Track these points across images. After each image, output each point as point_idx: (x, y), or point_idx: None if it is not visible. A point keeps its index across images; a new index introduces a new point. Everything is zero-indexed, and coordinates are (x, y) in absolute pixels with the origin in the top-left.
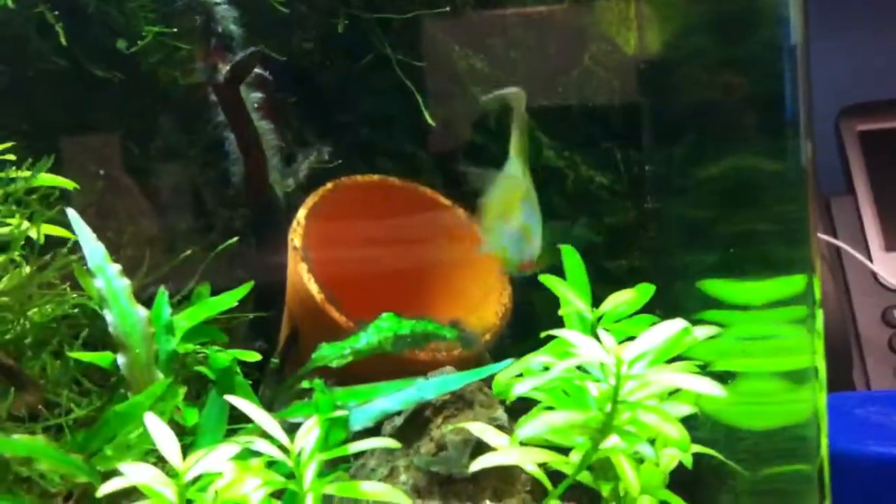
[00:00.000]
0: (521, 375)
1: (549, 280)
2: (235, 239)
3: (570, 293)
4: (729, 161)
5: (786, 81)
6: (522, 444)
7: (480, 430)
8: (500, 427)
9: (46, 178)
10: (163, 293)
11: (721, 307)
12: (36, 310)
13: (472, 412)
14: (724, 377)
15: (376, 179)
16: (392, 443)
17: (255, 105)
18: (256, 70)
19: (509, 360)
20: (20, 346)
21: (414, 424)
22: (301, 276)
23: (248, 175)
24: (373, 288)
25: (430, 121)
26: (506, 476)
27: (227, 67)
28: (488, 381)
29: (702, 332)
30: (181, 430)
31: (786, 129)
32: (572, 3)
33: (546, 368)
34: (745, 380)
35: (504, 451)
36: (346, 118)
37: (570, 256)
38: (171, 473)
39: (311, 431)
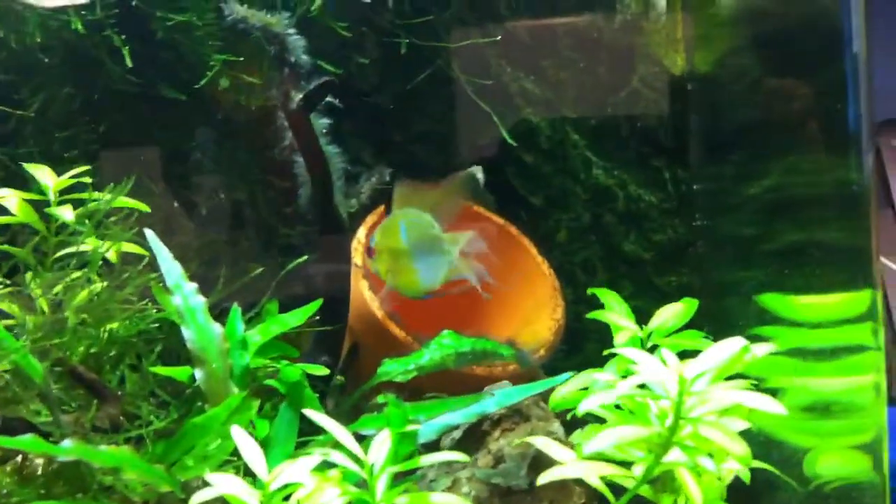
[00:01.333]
0: (584, 390)
1: (596, 314)
2: (304, 258)
3: (617, 317)
4: (785, 177)
5: (849, 94)
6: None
7: (545, 444)
8: (558, 440)
9: (121, 201)
10: (236, 310)
11: (776, 323)
12: (115, 325)
13: (529, 425)
14: (775, 392)
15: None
16: (461, 456)
17: (324, 130)
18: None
19: (567, 374)
20: (99, 360)
21: (472, 438)
22: (362, 293)
23: (315, 196)
24: (428, 304)
25: (510, 140)
26: (562, 489)
27: (301, 95)
28: (544, 395)
29: (761, 349)
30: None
31: (849, 143)
32: (621, 26)
33: (609, 386)
34: (803, 395)
35: (571, 464)
36: (398, 137)
37: (604, 293)
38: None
39: (383, 444)
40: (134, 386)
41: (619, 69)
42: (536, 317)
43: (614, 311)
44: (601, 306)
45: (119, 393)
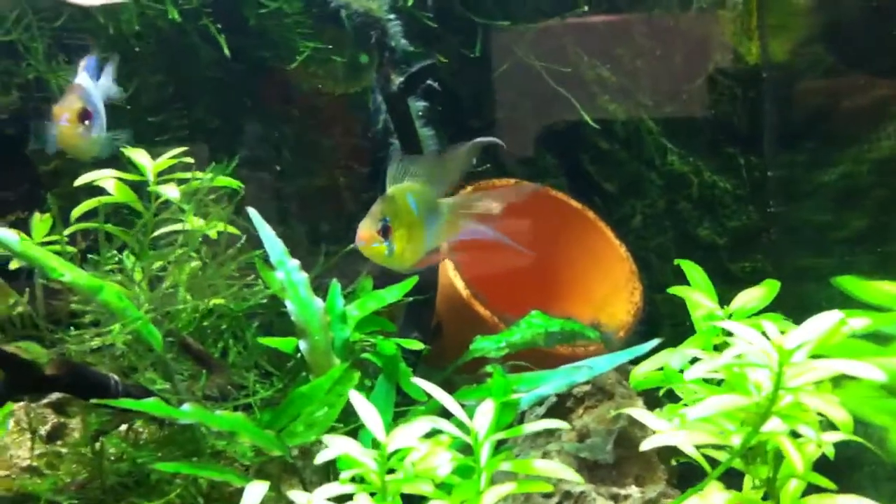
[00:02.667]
0: (661, 369)
1: (677, 289)
2: None
3: (699, 295)
4: (858, 165)
5: None
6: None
7: (640, 414)
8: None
9: (220, 180)
10: (335, 285)
11: (853, 306)
12: (220, 300)
13: (612, 403)
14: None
15: (512, 183)
16: (563, 424)
17: (419, 113)
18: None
19: (654, 342)
20: (203, 332)
21: (555, 414)
22: (447, 273)
23: None
24: (505, 284)
25: (592, 123)
26: (647, 465)
27: (402, 78)
28: (626, 375)
29: (859, 322)
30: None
31: None
32: (697, 15)
33: (695, 359)
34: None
35: (671, 432)
36: (476, 124)
37: (690, 267)
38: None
39: (487, 413)
40: (238, 357)
41: (694, 57)
42: (614, 299)
43: (698, 288)
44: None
45: (225, 363)
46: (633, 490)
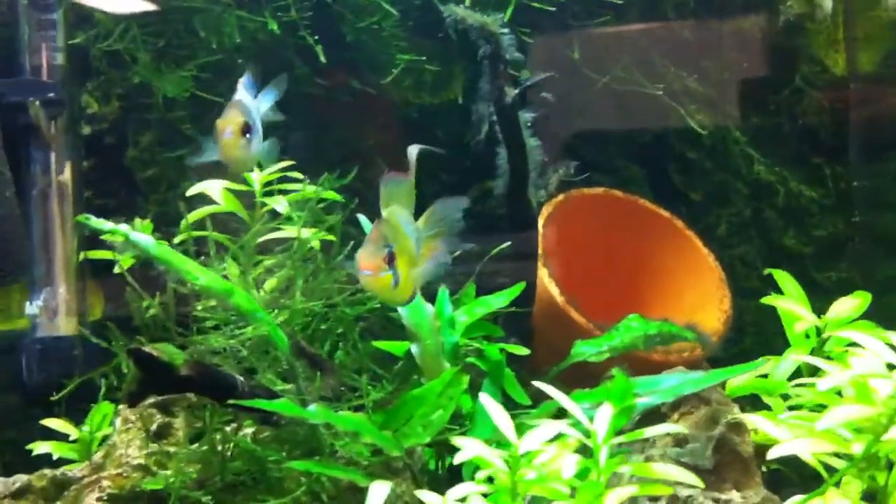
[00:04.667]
0: (762, 377)
1: (770, 299)
2: (508, 244)
3: (793, 305)
4: None
5: None
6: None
7: (761, 422)
8: (738, 424)
9: (313, 192)
10: (444, 291)
11: None
12: (332, 304)
13: (709, 409)
14: None
15: (601, 192)
16: (680, 428)
17: (528, 124)
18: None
19: (762, 360)
20: (313, 335)
21: (650, 419)
22: (543, 279)
23: (512, 187)
24: (594, 291)
25: (697, 128)
26: (745, 471)
27: (517, 90)
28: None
29: None
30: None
31: None
32: (784, 26)
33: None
34: None
35: (794, 441)
36: (564, 134)
37: (782, 277)
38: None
39: (605, 416)
40: (347, 359)
41: (781, 68)
42: (704, 308)
43: (791, 297)
44: (766, 296)
45: (336, 366)
46: (735, 495)
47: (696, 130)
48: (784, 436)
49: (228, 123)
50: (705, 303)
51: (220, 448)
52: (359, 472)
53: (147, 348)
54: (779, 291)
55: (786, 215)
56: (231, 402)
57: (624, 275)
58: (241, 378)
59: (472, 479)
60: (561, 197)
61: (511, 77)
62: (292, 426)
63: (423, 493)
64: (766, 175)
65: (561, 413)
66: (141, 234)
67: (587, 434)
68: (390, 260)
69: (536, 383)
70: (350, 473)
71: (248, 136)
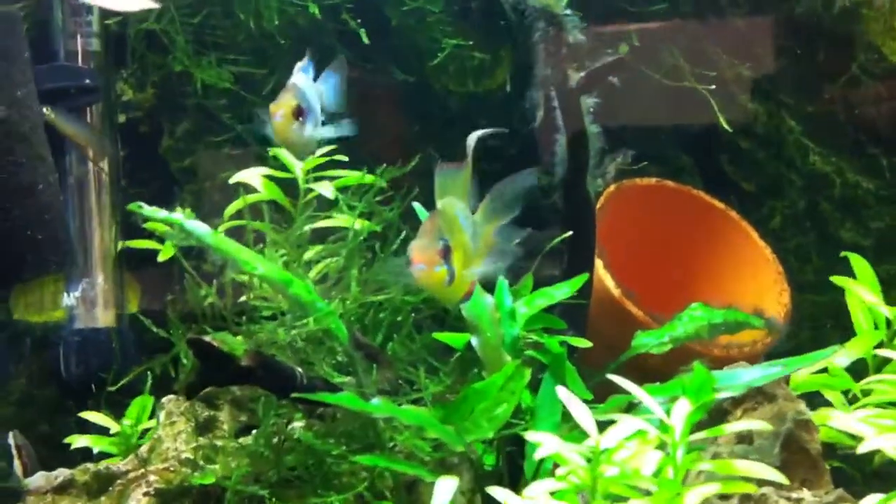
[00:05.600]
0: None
1: (840, 280)
2: (569, 233)
3: (863, 290)
4: None
5: None
6: None
7: (845, 422)
8: (806, 421)
9: (369, 178)
10: (503, 282)
11: None
12: (388, 295)
13: (774, 406)
14: None
15: (654, 182)
16: (763, 425)
17: (590, 109)
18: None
19: (833, 348)
20: (365, 327)
21: (712, 415)
22: (598, 270)
23: (570, 175)
24: (646, 284)
25: (727, 127)
26: (814, 468)
27: (583, 74)
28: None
29: None
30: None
31: None
32: (840, 13)
33: None
34: None
35: (881, 437)
36: (613, 125)
37: (857, 260)
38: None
39: (683, 411)
40: (402, 351)
41: (837, 56)
42: (761, 301)
43: (864, 283)
44: (820, 291)
45: (392, 358)
46: (806, 494)
47: (749, 119)
48: (868, 432)
49: (280, 107)
50: (762, 297)
51: (274, 441)
52: (424, 467)
53: (207, 338)
54: (835, 286)
55: (842, 207)
56: (295, 395)
57: (676, 267)
58: (300, 370)
59: (536, 475)
60: (613, 187)
61: (575, 60)
62: (346, 419)
63: (497, 490)
64: (822, 166)
65: (629, 409)
66: (196, 221)
67: (664, 429)
68: (445, 254)
69: (611, 377)
70: (415, 469)
71: (301, 119)
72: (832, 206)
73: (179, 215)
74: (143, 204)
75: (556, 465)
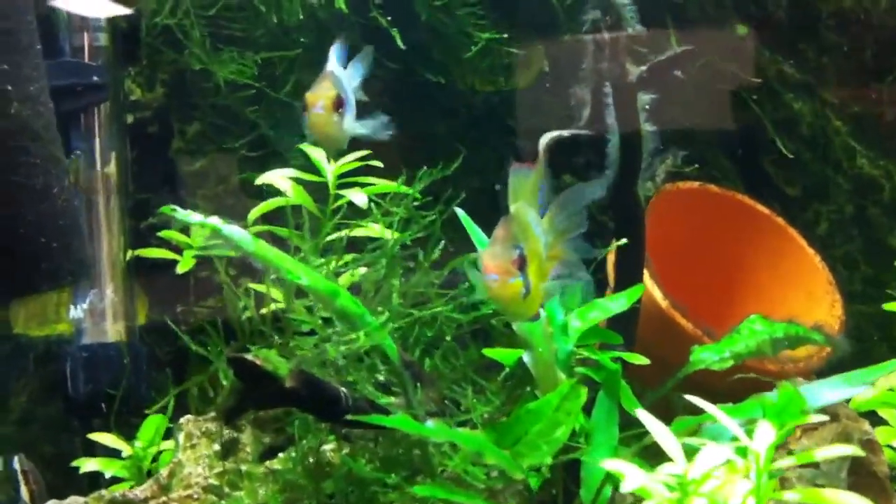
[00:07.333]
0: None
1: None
2: (623, 241)
3: None
4: None
5: None
6: None
7: None
8: (871, 441)
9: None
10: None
11: None
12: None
13: (838, 425)
14: None
15: (696, 186)
16: (857, 450)
17: (646, 107)
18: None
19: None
20: (406, 343)
21: None
22: (644, 281)
23: (620, 178)
24: (690, 293)
25: (779, 142)
26: (882, 493)
27: (644, 68)
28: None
29: None
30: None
31: None
32: (888, 8)
33: None
34: None
35: None
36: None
37: None
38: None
39: (766, 436)
40: (445, 368)
41: (885, 53)
42: (809, 312)
43: None
44: (867, 301)
45: (436, 375)
46: None
47: (793, 120)
48: None
49: (319, 97)
50: (813, 307)
51: (309, 465)
52: (480, 496)
53: (250, 357)
54: (883, 295)
55: (892, 212)
56: (349, 418)
57: (720, 276)
58: (345, 390)
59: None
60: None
61: (635, 53)
62: (387, 442)
63: None
64: (870, 169)
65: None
66: (234, 226)
67: (741, 452)
68: (521, 264)
69: (690, 397)
70: (475, 500)
71: (340, 110)
72: (881, 210)
73: (216, 220)
74: (175, 207)
75: (615, 491)
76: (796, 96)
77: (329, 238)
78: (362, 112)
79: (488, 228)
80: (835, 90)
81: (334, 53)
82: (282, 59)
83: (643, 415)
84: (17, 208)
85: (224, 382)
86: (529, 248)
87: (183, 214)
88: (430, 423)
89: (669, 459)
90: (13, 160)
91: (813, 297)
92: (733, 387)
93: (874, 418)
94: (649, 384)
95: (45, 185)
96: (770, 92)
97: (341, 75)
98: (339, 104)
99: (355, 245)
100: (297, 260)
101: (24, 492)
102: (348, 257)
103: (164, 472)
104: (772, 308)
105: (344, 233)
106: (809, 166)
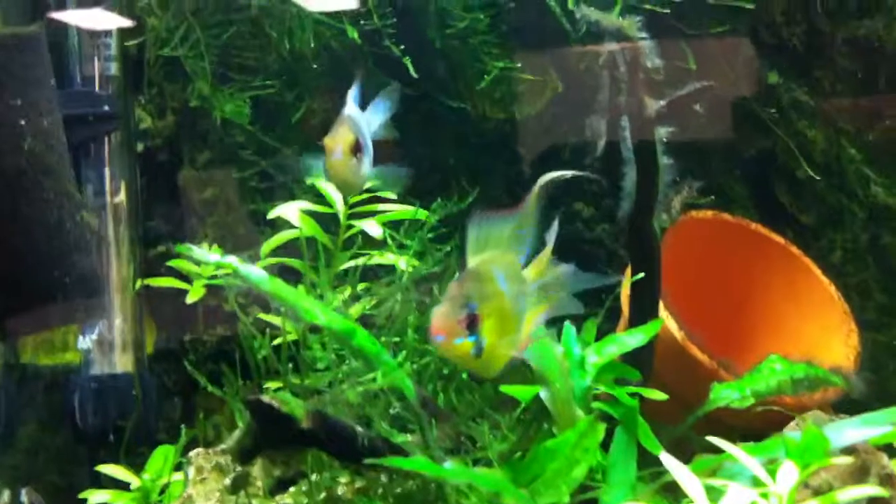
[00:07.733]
0: None
1: None
2: (641, 275)
3: None
4: None
5: None
6: None
7: None
8: (890, 476)
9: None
10: (570, 328)
11: None
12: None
13: (856, 458)
14: None
15: (709, 215)
16: (882, 491)
17: (664, 140)
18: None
19: None
20: (419, 379)
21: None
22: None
23: (636, 212)
24: (706, 323)
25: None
26: None
27: (663, 102)
28: None
29: None
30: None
31: None
32: None
33: None
34: None
35: None
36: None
37: None
38: None
39: (789, 476)
40: (459, 404)
41: None
42: (825, 343)
43: None
44: (882, 330)
45: (450, 411)
46: None
47: (807, 147)
48: None
49: (338, 142)
50: (828, 338)
51: (321, 501)
52: None
53: (267, 398)
54: None
55: None
56: (371, 461)
57: (734, 306)
58: (360, 429)
59: None
60: None
61: (652, 87)
62: (401, 478)
63: None
64: (885, 197)
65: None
66: (251, 266)
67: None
68: (470, 323)
69: (712, 439)
70: None
71: (358, 155)
72: None
73: (233, 259)
74: (190, 245)
75: None
76: (810, 123)
77: (343, 267)
78: (391, 150)
79: None
80: (849, 118)
81: (351, 96)
82: (293, 86)
83: (666, 458)
84: (31, 244)
85: (239, 423)
86: (489, 305)
87: (200, 254)
88: (448, 463)
89: (686, 496)
90: (26, 195)
91: (828, 328)
92: (749, 418)
93: (892, 450)
94: (663, 415)
95: (59, 220)
96: (784, 119)
97: (359, 118)
98: (356, 149)
99: (368, 270)
100: (313, 298)
101: None
102: (362, 285)
103: None
104: (787, 339)
105: (361, 261)
106: (824, 195)
